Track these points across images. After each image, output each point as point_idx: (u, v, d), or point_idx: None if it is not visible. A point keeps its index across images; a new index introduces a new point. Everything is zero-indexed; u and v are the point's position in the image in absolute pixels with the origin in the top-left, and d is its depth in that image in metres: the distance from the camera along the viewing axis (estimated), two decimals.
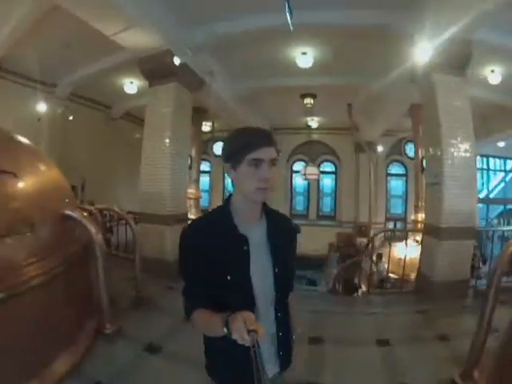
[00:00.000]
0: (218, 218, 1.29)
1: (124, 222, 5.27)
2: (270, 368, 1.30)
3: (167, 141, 5.71)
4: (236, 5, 4.90)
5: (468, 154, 5.01)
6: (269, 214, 1.34)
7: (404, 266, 5.43)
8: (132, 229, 4.61)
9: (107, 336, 3.20)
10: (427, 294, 4.81)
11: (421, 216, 7.15)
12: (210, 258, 1.20)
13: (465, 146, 5.00)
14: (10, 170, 2.51)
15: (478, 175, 13.08)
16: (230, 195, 1.31)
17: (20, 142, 3.09)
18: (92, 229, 3.09)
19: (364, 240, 8.98)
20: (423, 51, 4.79)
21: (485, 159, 13.91)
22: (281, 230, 1.35)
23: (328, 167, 11.77)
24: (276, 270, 1.27)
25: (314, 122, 9.86)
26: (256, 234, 1.27)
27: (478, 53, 5.09)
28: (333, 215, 12.13)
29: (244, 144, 1.19)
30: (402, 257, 5.64)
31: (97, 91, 8.57)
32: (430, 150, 5.31)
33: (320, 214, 11.31)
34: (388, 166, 12.55)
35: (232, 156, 1.22)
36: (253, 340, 0.99)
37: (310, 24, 4.95)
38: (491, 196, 14.04)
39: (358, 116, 9.17)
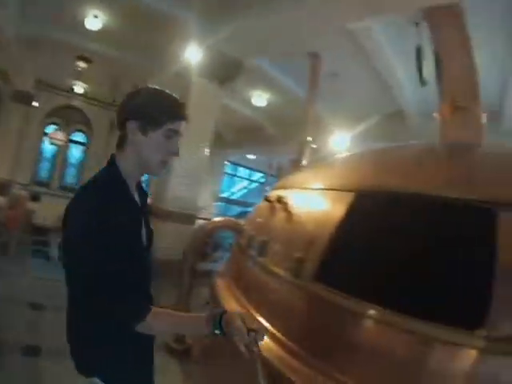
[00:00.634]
0: (114, 188, 1.07)
1: None
2: None
3: None
4: None
5: (202, 152, 5.84)
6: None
7: None
8: None
9: None
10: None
11: None
12: (121, 237, 0.99)
13: (200, 144, 5.76)
14: None
15: (225, 179, 15.21)
16: (113, 159, 1.12)
17: None
18: None
19: None
20: (195, 53, 5.28)
21: (234, 166, 16.19)
22: (145, 202, 1.27)
23: (80, 137, 10.72)
24: (148, 244, 1.22)
25: (79, 88, 8.87)
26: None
27: (251, 74, 5.99)
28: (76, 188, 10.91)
29: (167, 110, 1.08)
30: None
31: None
32: None
33: (63, 184, 10.24)
34: None
35: (147, 117, 1.06)
36: (253, 340, 0.94)
37: None
38: (232, 198, 16.55)
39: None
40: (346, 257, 1.48)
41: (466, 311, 1.11)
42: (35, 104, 8.91)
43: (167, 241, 5.15)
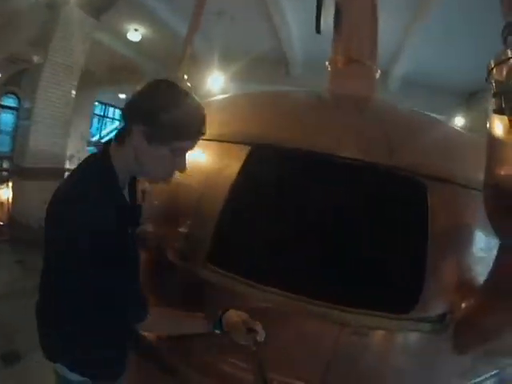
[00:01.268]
0: (107, 193, 0.91)
1: None
2: None
3: None
4: None
5: (69, 93, 4.95)
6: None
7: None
8: None
9: None
10: (25, 242, 4.28)
11: None
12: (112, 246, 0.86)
13: (67, 84, 4.80)
14: None
15: (95, 121, 13.69)
16: (107, 152, 0.95)
17: None
18: None
19: None
20: None
21: (104, 107, 14.60)
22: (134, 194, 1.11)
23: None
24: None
25: None
26: None
27: (127, 6, 5.29)
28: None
29: (186, 126, 0.90)
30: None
31: None
32: None
33: None
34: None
35: (159, 128, 0.88)
36: (253, 340, 0.92)
37: None
38: (103, 141, 15.11)
39: None
40: (243, 233, 1.23)
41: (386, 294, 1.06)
42: None
43: (33, 203, 4.33)
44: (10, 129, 9.48)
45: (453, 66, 5.73)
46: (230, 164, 1.27)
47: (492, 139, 0.92)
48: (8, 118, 9.46)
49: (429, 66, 6.15)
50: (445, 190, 1.18)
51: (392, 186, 1.20)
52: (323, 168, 1.23)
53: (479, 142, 1.83)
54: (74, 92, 5.12)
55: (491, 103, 0.91)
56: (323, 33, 2.49)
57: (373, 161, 1.19)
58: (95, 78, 9.47)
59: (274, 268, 1.12)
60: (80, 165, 0.98)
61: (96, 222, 0.84)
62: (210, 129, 0.98)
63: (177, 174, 0.99)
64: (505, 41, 0.94)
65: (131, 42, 7.72)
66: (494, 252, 1.02)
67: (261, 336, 0.96)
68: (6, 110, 9.41)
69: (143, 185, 1.26)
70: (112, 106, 14.97)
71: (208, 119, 0.94)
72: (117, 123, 16.09)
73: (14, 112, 9.35)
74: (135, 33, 7.34)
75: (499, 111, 0.85)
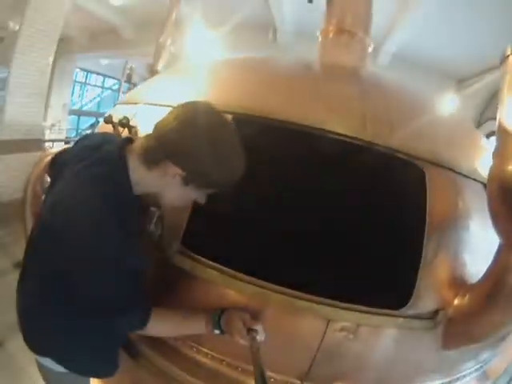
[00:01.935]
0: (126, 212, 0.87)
1: None
2: None
3: None
4: None
5: (46, 60, 4.63)
6: None
7: None
8: None
9: None
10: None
11: None
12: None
13: (45, 51, 4.49)
14: None
15: (76, 88, 13.16)
16: (126, 164, 0.88)
17: None
18: None
19: None
20: None
21: (85, 73, 14.01)
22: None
23: None
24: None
25: None
26: None
27: None
28: None
29: (228, 176, 0.87)
30: None
31: None
32: None
33: None
34: None
35: (198, 176, 0.86)
36: (253, 340, 0.88)
37: None
38: (85, 109, 14.68)
39: None
40: (222, 216, 1.11)
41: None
42: None
43: (9, 177, 4.12)
44: None
45: (446, 48, 5.65)
46: None
47: (504, 132, 0.87)
48: None
49: (421, 45, 6.05)
50: (445, 177, 1.11)
51: (389, 169, 1.12)
52: (311, 144, 1.13)
53: (477, 131, 1.80)
54: (51, 59, 4.80)
55: (506, 93, 0.85)
56: (315, 1, 2.36)
57: (369, 139, 1.08)
58: (75, 44, 9.04)
59: (256, 256, 1.03)
60: (92, 170, 0.88)
61: (107, 250, 0.81)
62: (187, 98, 0.90)
63: None
64: None
65: (112, 5, 7.25)
66: (492, 247, 0.99)
67: (261, 336, 0.93)
68: None
69: None
70: (93, 72, 14.35)
71: (185, 87, 0.86)
72: (97, 90, 15.55)
73: None
74: None
75: None
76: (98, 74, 14.60)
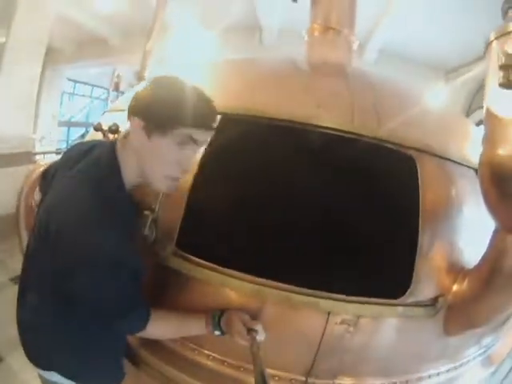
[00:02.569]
0: (115, 199, 0.85)
1: None
2: None
3: None
4: None
5: (34, 72, 4.61)
6: None
7: None
8: None
9: None
10: None
11: None
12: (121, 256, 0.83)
13: (31, 64, 4.46)
14: None
15: (64, 99, 13.08)
16: (115, 153, 0.88)
17: None
18: None
19: None
20: None
21: (72, 83, 13.95)
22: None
23: None
24: None
25: None
26: None
27: None
28: None
29: (190, 111, 0.81)
30: None
31: None
32: None
33: None
34: None
35: (155, 116, 0.81)
36: (253, 340, 0.88)
37: None
38: (74, 119, 14.62)
39: None
40: (217, 215, 1.13)
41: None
42: None
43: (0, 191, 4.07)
44: None
45: (433, 39, 5.69)
46: None
47: (492, 117, 0.87)
48: None
49: (408, 38, 6.09)
50: (436, 165, 1.11)
51: (379, 160, 1.13)
52: (301, 139, 1.13)
53: (465, 119, 1.81)
54: (39, 70, 4.76)
55: (491, 79, 0.86)
56: (300, 1, 2.37)
57: (358, 131, 1.08)
58: (62, 54, 8.99)
59: (252, 253, 1.03)
60: (87, 174, 0.87)
61: (105, 249, 0.80)
62: None
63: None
64: (505, 15, 0.89)
65: (98, 15, 7.23)
66: (487, 232, 0.99)
67: (261, 336, 0.93)
68: None
69: None
70: (81, 82, 14.29)
71: None
72: (86, 100, 15.50)
73: None
74: (103, 5, 6.85)
75: (507, 85, 0.78)
76: (85, 84, 14.54)
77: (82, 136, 13.53)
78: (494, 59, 0.83)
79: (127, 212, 0.90)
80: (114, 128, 1.29)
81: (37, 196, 2.29)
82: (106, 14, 7.11)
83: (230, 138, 1.16)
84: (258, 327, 0.94)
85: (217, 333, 0.98)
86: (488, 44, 0.88)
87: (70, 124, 13.89)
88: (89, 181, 0.85)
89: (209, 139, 0.92)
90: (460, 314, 1.04)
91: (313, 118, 1.10)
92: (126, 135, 0.89)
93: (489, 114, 0.88)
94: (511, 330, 1.45)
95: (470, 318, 1.04)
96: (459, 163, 1.16)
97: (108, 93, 13.52)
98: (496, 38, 0.85)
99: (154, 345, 1.09)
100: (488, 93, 0.89)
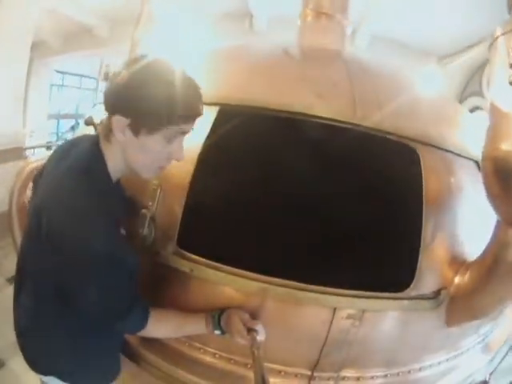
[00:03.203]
0: (103, 194, 0.82)
1: None
2: None
3: None
4: None
5: (21, 66, 4.50)
6: None
7: None
8: None
9: None
10: None
11: None
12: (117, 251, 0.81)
13: (18, 58, 4.37)
14: None
15: (56, 90, 12.82)
16: (99, 148, 0.85)
17: None
18: None
19: None
20: None
21: (61, 75, 13.63)
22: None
23: None
24: None
25: None
26: None
27: None
28: None
29: (180, 108, 0.76)
30: None
31: None
32: None
33: None
34: None
35: (142, 116, 0.76)
36: (253, 340, 0.87)
37: None
38: (64, 112, 14.34)
39: None
40: (218, 211, 1.11)
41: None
42: None
43: None
44: None
45: (425, 25, 5.64)
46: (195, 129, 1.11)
47: (496, 112, 0.87)
48: None
49: (400, 24, 6.04)
50: (437, 157, 1.11)
51: (382, 152, 1.12)
52: (302, 131, 1.11)
53: (462, 108, 1.80)
54: (26, 63, 4.64)
55: (496, 74, 0.85)
56: None
57: (360, 123, 1.06)
58: (49, 47, 8.76)
59: (255, 251, 1.03)
60: (72, 167, 0.84)
61: (99, 242, 0.78)
62: None
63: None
64: (511, 9, 0.87)
65: (84, 5, 7.03)
66: (489, 225, 1.00)
67: (261, 336, 0.92)
68: None
69: None
70: (71, 73, 13.99)
71: None
72: (75, 91, 15.20)
73: None
74: None
75: None
76: (74, 75, 14.23)
77: (73, 128, 13.31)
78: (500, 54, 0.82)
79: (115, 203, 0.88)
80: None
81: (29, 193, 2.25)
82: (93, 4, 6.91)
83: (229, 131, 1.14)
84: (258, 327, 0.93)
85: (217, 332, 0.98)
86: (494, 39, 0.86)
87: (59, 116, 13.64)
88: (75, 175, 0.82)
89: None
90: (462, 306, 1.05)
91: (313, 109, 1.07)
92: (108, 127, 0.83)
93: (493, 108, 0.88)
94: (508, 317, 1.47)
95: (472, 310, 1.05)
96: (459, 155, 1.16)
97: (97, 83, 13.27)
98: (503, 34, 0.83)
99: (158, 344, 1.08)
100: (493, 88, 0.88)
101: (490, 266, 0.97)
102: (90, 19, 7.89)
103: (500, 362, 1.57)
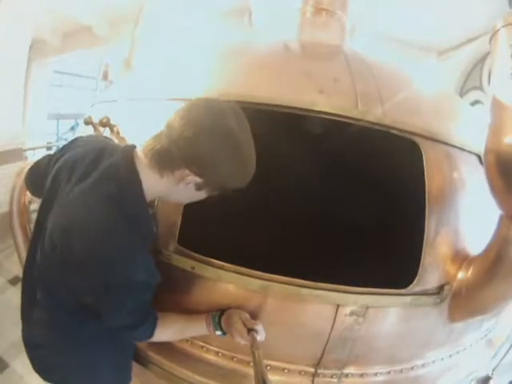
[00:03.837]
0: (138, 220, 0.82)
1: None
2: None
3: None
4: None
5: (20, 66, 4.51)
6: None
7: None
8: None
9: None
10: None
11: None
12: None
13: (17, 58, 4.36)
14: None
15: (52, 91, 12.79)
16: (135, 169, 0.82)
17: None
18: None
19: None
20: None
21: (60, 75, 13.63)
22: None
23: None
24: None
25: None
26: None
27: None
28: None
29: (244, 180, 0.82)
30: None
31: None
32: None
33: None
34: None
35: (213, 181, 0.81)
36: (253, 340, 0.87)
37: None
38: (63, 112, 14.32)
39: None
40: (220, 209, 1.09)
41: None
42: None
43: None
44: None
45: (424, 20, 5.62)
46: None
47: (498, 105, 0.86)
48: None
49: (399, 19, 6.02)
50: (440, 152, 1.10)
51: (386, 147, 1.11)
52: (306, 127, 1.12)
53: (463, 102, 1.79)
54: (25, 64, 4.64)
55: (497, 67, 0.84)
56: None
57: (362, 118, 1.06)
58: (49, 46, 8.73)
59: (257, 248, 1.03)
60: (102, 188, 0.81)
61: (138, 272, 0.80)
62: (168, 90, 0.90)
63: None
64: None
65: (84, 4, 7.01)
66: (491, 219, 0.99)
67: (261, 336, 0.91)
68: None
69: None
70: (70, 73, 13.97)
71: (165, 80, 0.79)
72: (74, 91, 15.18)
73: None
74: None
75: None
76: (73, 75, 14.21)
77: (72, 128, 13.29)
78: (502, 46, 0.81)
79: (151, 229, 0.89)
80: (104, 121, 1.24)
81: (29, 194, 2.24)
82: (92, 4, 6.89)
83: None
84: (259, 327, 0.93)
85: (218, 333, 0.98)
86: (494, 32, 0.86)
87: (59, 117, 13.61)
88: (110, 198, 0.79)
89: None
90: (465, 302, 1.05)
91: (315, 104, 1.06)
92: (168, 163, 0.81)
93: (495, 102, 0.87)
94: (510, 313, 1.47)
95: (475, 306, 1.04)
96: (462, 149, 1.15)
97: (96, 82, 13.22)
98: (504, 26, 0.82)
99: (161, 343, 1.08)
100: (494, 81, 0.87)
101: (492, 262, 0.97)
102: (90, 18, 7.86)
103: (503, 358, 1.57)
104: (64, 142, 1.16)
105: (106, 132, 1.28)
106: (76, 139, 1.05)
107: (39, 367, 1.00)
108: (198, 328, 1.01)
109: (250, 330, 0.91)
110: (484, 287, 1.00)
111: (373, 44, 6.60)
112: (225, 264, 0.99)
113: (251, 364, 1.01)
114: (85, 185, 0.82)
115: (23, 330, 0.99)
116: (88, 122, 1.36)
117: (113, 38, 8.10)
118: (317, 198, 1.10)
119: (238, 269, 0.98)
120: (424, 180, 1.03)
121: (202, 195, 0.87)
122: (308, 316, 1.01)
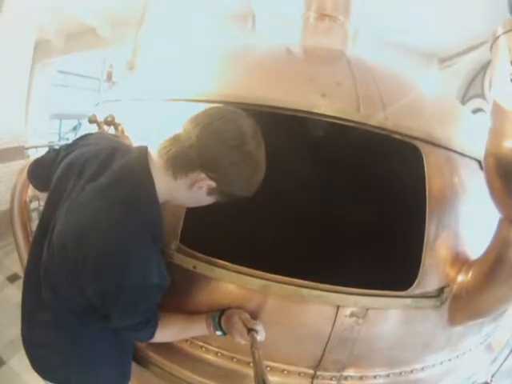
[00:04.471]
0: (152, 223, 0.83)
1: None
2: None
3: None
4: None
5: (24, 65, 4.50)
6: None
7: None
8: None
9: None
10: None
11: None
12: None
13: (21, 57, 4.39)
14: None
15: (55, 90, 12.84)
16: (149, 172, 0.82)
17: None
18: None
19: None
20: None
21: (63, 75, 13.68)
22: None
23: None
24: None
25: None
26: None
27: None
28: None
29: (249, 188, 0.84)
30: None
31: None
32: None
33: None
34: None
35: (228, 189, 0.83)
36: (253, 340, 0.86)
37: None
38: (66, 112, 14.37)
39: None
40: (221, 209, 1.05)
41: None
42: None
43: None
44: None
45: (426, 27, 5.66)
46: None
47: (498, 110, 0.87)
48: None
49: (401, 27, 6.06)
50: (441, 156, 1.11)
51: (387, 151, 1.12)
52: (308, 130, 1.13)
53: (464, 109, 1.80)
54: (29, 63, 4.66)
55: (498, 72, 0.86)
56: None
57: (364, 121, 1.07)
58: (52, 47, 8.78)
59: (259, 248, 1.03)
60: (117, 191, 0.80)
61: (151, 277, 0.80)
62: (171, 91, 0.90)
63: None
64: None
65: (88, 5, 7.07)
66: (491, 223, 0.99)
67: (261, 336, 0.91)
68: None
69: None
70: (73, 74, 14.03)
71: (168, 80, 0.80)
72: (77, 91, 15.23)
73: None
74: None
75: None
76: (76, 75, 14.27)
77: (74, 128, 13.33)
78: (502, 53, 0.82)
79: (162, 231, 0.89)
80: (109, 120, 1.25)
81: (31, 192, 2.24)
82: (96, 5, 6.94)
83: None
84: (259, 327, 0.92)
85: (218, 333, 0.98)
86: (495, 39, 0.87)
87: (62, 116, 13.67)
88: (125, 200, 0.80)
89: None
90: (465, 305, 1.05)
91: (318, 108, 1.07)
92: (183, 165, 0.81)
93: (496, 106, 0.88)
94: (510, 318, 1.47)
95: (475, 309, 1.05)
96: (463, 154, 1.16)
97: (99, 83, 13.30)
98: (504, 33, 0.84)
99: (160, 344, 1.08)
100: (495, 86, 0.88)
101: (492, 264, 0.97)
102: (93, 19, 7.92)
103: (502, 364, 1.57)
104: (66, 142, 1.16)
105: (111, 131, 1.28)
106: (86, 136, 1.05)
107: (39, 367, 1.00)
108: (198, 328, 1.01)
109: (250, 330, 0.91)
110: (484, 290, 1.00)
111: (375, 50, 6.64)
112: (226, 263, 0.99)
113: (251, 364, 1.01)
114: (97, 184, 0.82)
115: (23, 329, 0.99)
116: (92, 121, 1.37)
117: (116, 39, 8.14)
118: (318, 200, 1.10)
119: (240, 268, 0.99)
120: (425, 183, 1.03)
121: (210, 200, 0.88)
122: (308, 316, 1.01)
